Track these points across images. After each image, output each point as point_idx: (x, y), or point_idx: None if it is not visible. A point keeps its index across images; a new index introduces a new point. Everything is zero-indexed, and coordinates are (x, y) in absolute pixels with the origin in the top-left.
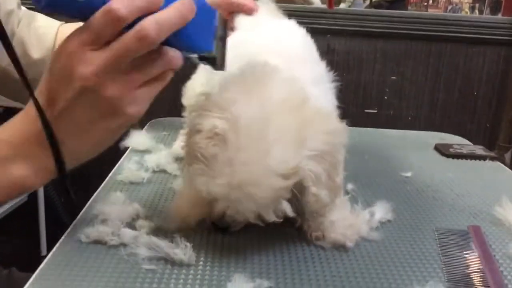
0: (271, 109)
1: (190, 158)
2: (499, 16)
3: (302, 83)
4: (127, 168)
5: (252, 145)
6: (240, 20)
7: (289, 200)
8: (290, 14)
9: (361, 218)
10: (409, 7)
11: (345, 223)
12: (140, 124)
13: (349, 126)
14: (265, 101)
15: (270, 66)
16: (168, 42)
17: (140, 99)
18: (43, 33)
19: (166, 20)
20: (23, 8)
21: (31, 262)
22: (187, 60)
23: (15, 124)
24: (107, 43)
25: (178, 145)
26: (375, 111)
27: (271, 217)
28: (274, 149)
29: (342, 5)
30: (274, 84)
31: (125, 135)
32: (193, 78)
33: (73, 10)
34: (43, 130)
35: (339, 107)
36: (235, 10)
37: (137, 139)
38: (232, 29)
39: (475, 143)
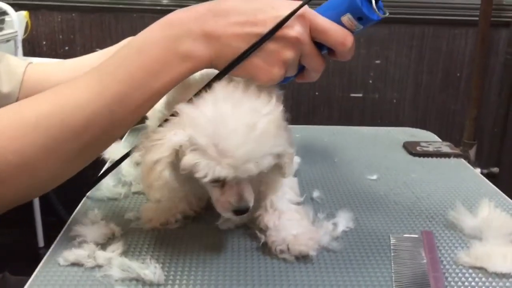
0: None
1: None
2: None
3: None
4: (105, 183)
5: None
6: None
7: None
8: None
9: (324, 229)
10: None
11: (306, 236)
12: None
13: (332, 115)
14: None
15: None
16: None
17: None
18: (14, 69)
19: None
20: None
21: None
22: None
23: None
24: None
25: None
26: (361, 95)
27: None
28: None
29: None
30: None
31: None
32: None
33: None
34: None
35: (326, 93)
36: None
37: (115, 149)
38: None
39: (459, 122)
